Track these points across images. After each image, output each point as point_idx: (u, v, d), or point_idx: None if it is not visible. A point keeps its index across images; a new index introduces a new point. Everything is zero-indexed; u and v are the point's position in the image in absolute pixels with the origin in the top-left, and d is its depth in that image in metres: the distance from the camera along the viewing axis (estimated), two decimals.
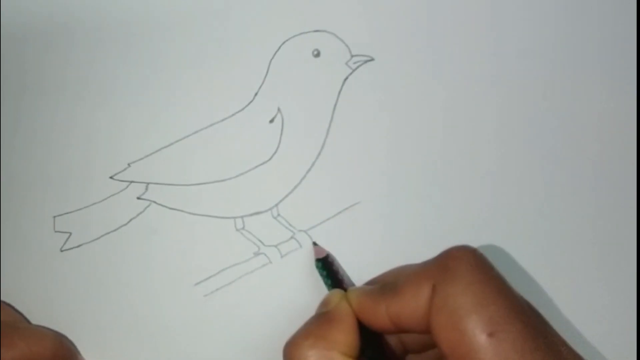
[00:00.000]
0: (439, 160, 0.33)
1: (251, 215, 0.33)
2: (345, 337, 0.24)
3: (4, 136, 0.34)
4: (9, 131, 0.34)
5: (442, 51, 0.34)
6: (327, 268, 0.30)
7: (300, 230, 0.32)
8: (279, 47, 0.34)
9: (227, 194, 0.33)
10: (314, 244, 0.32)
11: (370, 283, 0.30)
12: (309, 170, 0.33)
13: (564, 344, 0.23)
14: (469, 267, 0.23)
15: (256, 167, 0.33)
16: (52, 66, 0.35)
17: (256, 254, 0.32)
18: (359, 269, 0.31)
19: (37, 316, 0.32)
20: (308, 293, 0.31)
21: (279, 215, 0.33)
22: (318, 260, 0.30)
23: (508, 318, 0.22)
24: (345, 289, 0.28)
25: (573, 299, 0.31)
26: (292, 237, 0.32)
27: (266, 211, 0.33)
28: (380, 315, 0.25)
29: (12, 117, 0.34)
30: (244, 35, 0.35)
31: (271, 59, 0.34)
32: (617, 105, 0.34)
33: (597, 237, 0.32)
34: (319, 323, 0.25)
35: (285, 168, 0.33)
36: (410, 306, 0.24)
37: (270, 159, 0.33)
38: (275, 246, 0.32)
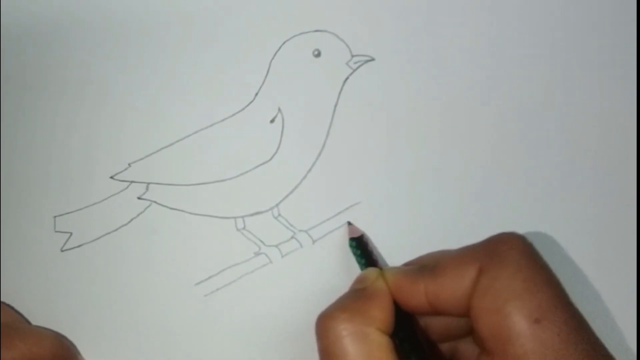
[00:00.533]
0: (439, 160, 0.33)
1: (252, 215, 0.33)
2: (382, 315, 0.24)
3: (4, 136, 0.34)
4: (9, 131, 0.34)
5: (443, 51, 0.34)
6: (362, 248, 0.30)
7: (300, 230, 0.32)
8: (280, 47, 0.34)
9: (228, 193, 0.33)
10: (349, 223, 0.32)
11: (406, 265, 0.29)
12: (309, 170, 0.33)
13: (601, 342, 0.23)
14: (518, 253, 0.23)
15: (257, 167, 0.33)
16: (52, 66, 0.35)
17: (257, 254, 0.32)
18: (360, 269, 0.31)
19: (38, 316, 0.31)
20: (309, 293, 0.31)
21: (279, 215, 0.33)
22: (352, 239, 0.30)
23: (555, 307, 0.22)
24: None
25: (573, 299, 0.31)
26: (292, 237, 0.32)
27: (267, 211, 0.33)
28: (418, 295, 0.24)
29: (12, 117, 0.34)
30: (245, 35, 0.35)
31: (272, 59, 0.34)
32: (617, 105, 0.34)
33: (597, 237, 0.32)
34: (356, 298, 0.25)
35: (286, 168, 0.33)
36: (451, 287, 0.23)
37: (270, 158, 0.33)
38: (276, 246, 0.32)
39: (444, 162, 0.33)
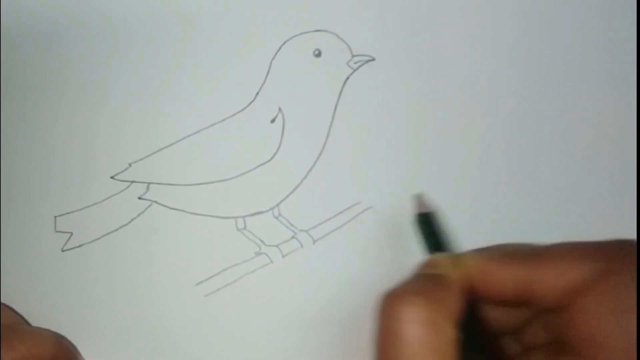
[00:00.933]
0: (439, 160, 0.33)
1: (252, 215, 0.33)
2: (457, 306, 0.22)
3: (4, 136, 0.34)
4: (10, 131, 0.34)
5: (443, 51, 0.34)
6: (430, 226, 0.26)
7: (301, 230, 0.32)
8: (280, 47, 0.34)
9: (228, 193, 0.33)
10: (416, 195, 0.28)
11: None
12: (310, 170, 0.33)
13: None
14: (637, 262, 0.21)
15: (257, 167, 0.33)
16: (52, 66, 0.35)
17: (257, 254, 0.32)
18: (360, 268, 0.31)
19: (38, 316, 0.31)
20: (309, 293, 0.31)
21: (280, 215, 0.33)
22: (420, 215, 0.27)
23: None
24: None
25: None
26: (293, 237, 0.32)
27: (267, 211, 0.33)
28: (505, 281, 0.22)
29: (13, 117, 0.34)
30: (245, 35, 0.35)
31: (272, 59, 0.34)
32: (617, 105, 0.34)
33: (597, 237, 0.32)
34: (431, 282, 0.22)
35: (287, 168, 0.33)
36: (555, 277, 0.22)
37: (271, 158, 0.33)
38: (277, 246, 0.32)
39: (444, 161, 0.33)
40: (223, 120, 0.34)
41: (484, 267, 0.23)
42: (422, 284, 0.22)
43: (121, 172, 0.33)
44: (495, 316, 0.25)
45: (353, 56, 0.34)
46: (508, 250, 0.24)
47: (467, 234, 0.31)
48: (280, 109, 0.33)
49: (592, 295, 0.21)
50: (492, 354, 0.25)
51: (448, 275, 0.23)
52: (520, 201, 0.33)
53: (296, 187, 0.33)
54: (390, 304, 0.21)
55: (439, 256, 0.25)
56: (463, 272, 0.23)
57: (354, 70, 0.34)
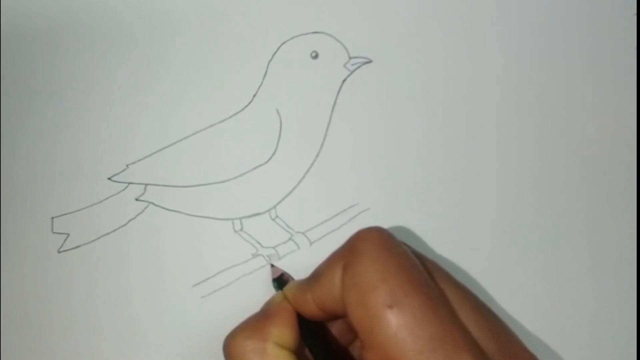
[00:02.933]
0: (437, 162, 0.33)
1: (249, 216, 0.33)
2: (279, 330, 0.25)
3: (2, 136, 0.34)
4: (8, 132, 0.34)
5: (440, 53, 0.34)
6: (282, 286, 0.30)
7: (298, 232, 0.32)
8: (277, 49, 0.34)
9: (226, 195, 0.33)
10: (272, 265, 0.32)
11: None
12: (307, 171, 0.33)
13: (474, 308, 0.24)
14: (373, 246, 0.24)
15: (254, 168, 0.33)
16: (51, 66, 0.35)
17: (254, 256, 0.32)
18: None
19: (35, 317, 0.32)
20: None
21: (277, 216, 0.33)
22: (274, 280, 0.30)
23: (407, 291, 0.22)
24: None
25: (573, 299, 0.31)
26: (290, 239, 0.32)
27: (264, 213, 0.33)
28: (309, 303, 0.26)
29: (11, 117, 0.34)
30: (243, 37, 0.35)
31: (269, 61, 0.34)
32: (617, 105, 0.34)
33: (597, 237, 0.32)
34: (257, 317, 0.26)
35: (284, 170, 0.33)
36: (327, 289, 0.25)
37: (268, 160, 0.33)
38: (274, 248, 0.32)
39: (441, 163, 0.33)
40: (220, 121, 0.34)
41: (294, 296, 0.27)
42: (250, 320, 0.26)
43: (118, 173, 0.33)
44: (342, 327, 0.28)
45: (350, 58, 0.34)
46: (309, 276, 0.27)
47: (467, 234, 0.32)
48: (277, 111, 0.33)
49: (345, 290, 0.24)
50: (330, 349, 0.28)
51: (276, 307, 0.27)
52: (520, 201, 0.33)
53: (293, 189, 0.33)
54: (227, 342, 0.25)
55: (275, 294, 0.28)
56: (288, 302, 0.27)
57: (351, 72, 0.34)
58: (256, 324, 0.26)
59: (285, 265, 0.32)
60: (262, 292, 0.32)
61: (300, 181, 0.33)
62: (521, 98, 0.34)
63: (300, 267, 0.31)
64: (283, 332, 0.25)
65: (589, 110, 0.34)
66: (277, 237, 0.32)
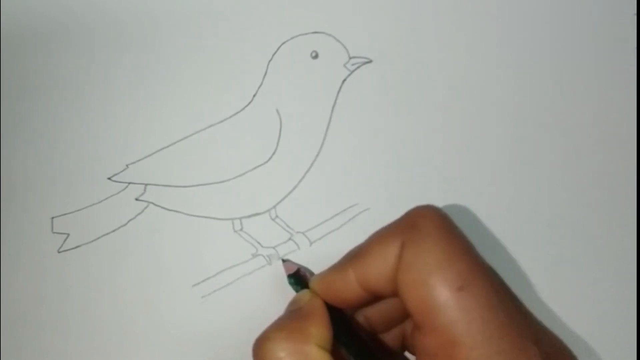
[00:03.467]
0: (437, 162, 0.33)
1: (249, 216, 0.33)
2: (319, 331, 0.24)
3: (3, 136, 0.34)
4: (8, 131, 0.34)
5: (440, 53, 0.34)
6: (300, 282, 0.29)
7: (298, 232, 0.32)
8: (278, 49, 0.34)
9: (225, 195, 0.33)
10: (284, 260, 0.31)
11: None
12: (307, 171, 0.33)
13: (523, 305, 0.23)
14: (436, 225, 0.23)
15: (254, 168, 0.33)
16: (51, 66, 0.35)
17: (254, 256, 0.32)
18: None
19: (35, 317, 0.32)
20: None
21: (277, 216, 0.33)
22: (290, 276, 0.29)
23: (475, 274, 0.22)
24: None
25: (573, 299, 0.31)
26: (290, 239, 0.32)
27: (264, 213, 0.33)
28: (350, 283, 0.24)
29: (11, 117, 0.34)
30: (243, 37, 0.35)
31: (269, 61, 0.34)
32: (617, 105, 0.34)
33: (597, 237, 0.32)
34: (291, 317, 0.25)
35: (284, 169, 0.33)
36: (378, 266, 0.23)
37: (268, 160, 0.33)
38: (274, 248, 0.32)
39: (441, 163, 0.33)
40: (220, 121, 0.34)
41: (328, 282, 0.25)
42: (285, 321, 0.25)
43: (118, 173, 0.33)
44: (378, 312, 0.27)
45: (350, 58, 0.34)
46: (340, 260, 0.26)
47: (466, 233, 0.32)
48: (277, 111, 0.33)
49: (403, 268, 0.23)
50: (380, 351, 0.27)
51: (309, 305, 0.25)
52: (520, 201, 0.33)
53: (293, 189, 0.33)
54: (260, 346, 0.23)
55: (301, 292, 0.27)
56: (320, 298, 0.26)
57: (351, 72, 0.34)
58: (293, 325, 0.24)
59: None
60: (262, 292, 0.32)
61: (300, 181, 0.33)
62: (521, 98, 0.34)
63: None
64: (322, 332, 0.24)
65: (589, 111, 0.34)
66: (277, 237, 0.32)
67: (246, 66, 0.34)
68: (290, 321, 0.24)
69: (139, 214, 0.33)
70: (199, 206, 0.33)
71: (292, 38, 0.34)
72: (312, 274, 0.30)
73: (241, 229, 0.32)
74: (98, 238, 0.32)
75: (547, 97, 0.34)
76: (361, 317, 0.27)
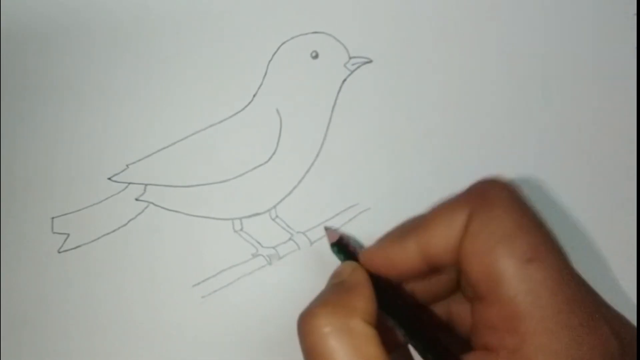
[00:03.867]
0: (437, 162, 0.33)
1: (249, 216, 0.33)
2: (365, 305, 0.23)
3: (3, 136, 0.34)
4: (8, 132, 0.34)
5: (440, 53, 0.34)
6: (344, 250, 0.29)
7: (298, 232, 0.32)
8: (277, 49, 0.34)
9: (226, 195, 0.33)
10: (326, 228, 0.31)
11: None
12: (307, 171, 0.33)
13: (587, 283, 0.23)
14: (507, 195, 0.22)
15: (254, 168, 0.33)
16: (51, 66, 0.35)
17: (254, 256, 0.32)
18: None
19: (35, 317, 0.32)
20: (306, 295, 0.31)
21: (277, 216, 0.33)
22: (333, 244, 0.29)
23: (546, 247, 0.21)
24: None
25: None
26: (290, 239, 0.32)
27: (264, 213, 0.33)
28: (410, 253, 0.24)
29: (12, 117, 0.34)
30: (243, 37, 0.35)
31: (269, 61, 0.34)
32: (617, 105, 0.34)
33: (596, 237, 0.32)
34: (336, 291, 0.24)
35: (284, 169, 0.33)
36: (443, 235, 0.23)
37: (268, 160, 0.33)
38: (274, 247, 0.32)
39: (441, 163, 0.33)
40: (220, 121, 0.34)
41: (386, 251, 0.25)
42: (328, 295, 0.24)
43: (118, 173, 0.33)
44: (427, 285, 0.26)
45: (350, 58, 0.34)
46: (395, 230, 0.25)
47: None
48: (277, 111, 0.33)
49: (470, 237, 0.22)
50: (428, 322, 0.26)
51: (353, 279, 0.25)
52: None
53: (293, 189, 0.33)
54: (306, 322, 0.22)
55: (342, 265, 0.26)
56: (363, 270, 0.25)
57: (351, 72, 0.34)
58: (338, 299, 0.23)
59: (285, 265, 0.32)
60: (262, 292, 0.32)
61: (300, 181, 0.33)
62: (521, 98, 0.34)
63: (300, 267, 0.31)
64: (368, 306, 0.23)
65: (589, 111, 0.34)
66: (277, 237, 0.32)
67: (246, 66, 0.34)
68: (334, 295, 0.24)
69: (139, 214, 0.33)
70: (199, 206, 0.33)
71: (292, 38, 0.34)
72: (356, 242, 0.30)
73: (241, 229, 0.32)
74: (98, 238, 0.32)
75: (547, 97, 0.34)
76: (407, 289, 0.26)
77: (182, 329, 0.31)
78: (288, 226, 0.32)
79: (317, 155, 0.33)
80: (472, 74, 0.34)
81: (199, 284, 0.32)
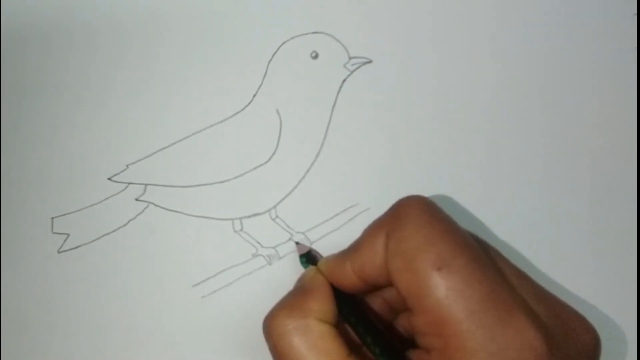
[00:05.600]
0: (437, 162, 0.33)
1: (249, 216, 0.33)
2: (319, 305, 0.25)
3: (3, 137, 0.34)
4: (8, 132, 0.34)
5: (440, 53, 0.34)
6: (310, 261, 0.30)
7: (298, 232, 0.32)
8: (277, 49, 0.34)
9: (226, 195, 0.33)
10: (297, 243, 0.32)
11: None
12: (307, 171, 0.33)
13: (517, 275, 0.24)
14: (417, 212, 0.24)
15: (254, 168, 0.33)
16: (51, 67, 0.35)
17: (254, 256, 0.32)
18: None
19: (35, 317, 0.32)
20: None
21: (277, 217, 0.33)
22: (302, 256, 0.31)
23: (455, 253, 0.23)
24: None
25: (573, 299, 0.31)
26: (290, 239, 0.32)
27: (264, 213, 0.33)
28: (348, 274, 0.26)
29: (12, 117, 0.34)
30: (242, 37, 0.35)
31: (269, 61, 0.34)
32: (617, 105, 0.34)
33: (596, 237, 0.32)
34: (294, 295, 0.26)
35: (284, 170, 0.33)
36: (369, 257, 0.25)
37: (268, 160, 0.33)
38: (274, 248, 0.32)
39: (441, 163, 0.33)
40: (220, 122, 0.34)
41: (330, 268, 0.27)
42: (288, 298, 0.26)
43: (118, 173, 0.33)
44: (382, 301, 0.28)
45: (350, 58, 0.34)
46: (340, 252, 0.27)
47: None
48: (277, 111, 0.33)
49: (390, 257, 0.24)
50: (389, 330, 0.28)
51: (311, 282, 0.27)
52: (520, 202, 0.33)
53: (293, 189, 0.33)
54: (267, 323, 0.25)
55: (307, 269, 0.29)
56: (322, 276, 0.27)
57: (351, 72, 0.34)
58: (294, 302, 0.25)
59: (286, 265, 0.32)
60: (262, 292, 0.32)
61: (300, 181, 0.33)
62: (521, 98, 0.34)
63: (300, 267, 0.31)
64: (323, 307, 0.25)
65: (589, 111, 0.34)
66: (277, 237, 0.32)
67: (246, 66, 0.34)
68: (292, 298, 0.26)
69: (139, 214, 0.33)
70: (199, 206, 0.33)
71: (292, 38, 0.34)
72: (321, 256, 0.31)
73: (241, 229, 0.32)
74: (98, 238, 0.32)
75: (547, 97, 0.34)
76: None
77: (182, 329, 0.31)
78: (288, 226, 0.32)
79: (317, 155, 0.33)
80: (471, 74, 0.34)
81: (199, 284, 0.32)
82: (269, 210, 0.33)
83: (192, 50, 0.35)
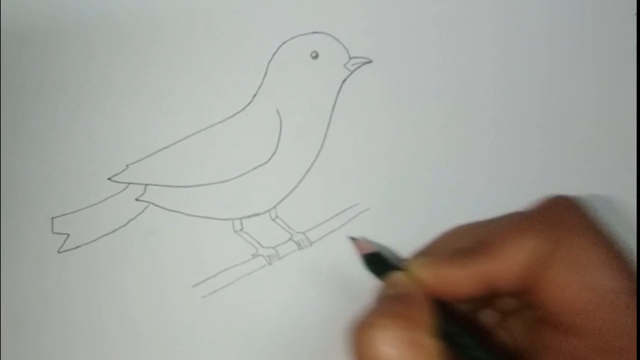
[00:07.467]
0: (437, 162, 0.33)
1: (249, 216, 0.33)
2: (427, 318, 0.22)
3: (3, 137, 0.34)
4: (8, 132, 0.34)
5: (441, 53, 0.34)
6: (381, 263, 0.27)
7: (298, 232, 0.32)
8: (277, 49, 0.34)
9: (226, 195, 0.33)
10: (352, 239, 0.29)
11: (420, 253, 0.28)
12: (307, 171, 0.33)
13: None
14: (580, 218, 0.22)
15: (254, 168, 0.33)
16: (51, 66, 0.35)
17: (254, 256, 0.32)
18: (358, 270, 0.31)
19: (35, 317, 0.32)
20: (306, 295, 0.31)
21: (277, 217, 0.33)
22: (366, 256, 0.27)
23: (630, 276, 0.21)
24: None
25: None
26: (290, 239, 0.32)
27: (264, 213, 0.33)
28: (471, 279, 0.23)
29: (12, 117, 0.34)
30: (243, 37, 0.35)
31: (269, 61, 0.34)
32: (617, 105, 0.34)
33: None
34: (394, 303, 0.22)
35: (284, 170, 0.33)
36: (509, 261, 0.22)
37: (268, 160, 0.33)
38: (274, 248, 0.32)
39: (441, 163, 0.33)
40: (220, 122, 0.34)
41: (438, 274, 0.23)
42: (389, 306, 0.22)
43: (118, 173, 0.33)
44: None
45: (350, 58, 0.34)
46: (457, 251, 0.24)
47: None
48: (277, 111, 0.33)
49: (553, 266, 0.21)
50: (472, 329, 0.25)
51: (409, 290, 0.23)
52: (520, 202, 0.32)
53: (293, 189, 0.33)
54: (364, 332, 0.21)
55: (395, 275, 0.25)
56: (420, 283, 0.23)
57: (351, 72, 0.34)
58: (400, 311, 0.21)
59: (286, 265, 0.32)
60: (262, 292, 0.32)
61: (300, 181, 0.33)
62: (521, 99, 0.34)
63: (300, 267, 0.31)
64: (429, 320, 0.22)
65: (589, 111, 0.34)
66: (277, 237, 0.32)
67: (246, 66, 0.34)
68: (392, 306, 0.22)
69: (139, 214, 0.33)
70: (199, 206, 0.33)
71: (292, 38, 0.34)
72: (388, 252, 0.28)
73: (241, 229, 0.32)
74: (98, 238, 0.32)
75: (547, 97, 0.34)
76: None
77: (182, 329, 0.31)
78: (288, 226, 0.32)
79: (317, 155, 0.33)
80: (472, 74, 0.34)
81: (199, 284, 0.32)
82: (269, 210, 0.33)
83: (192, 50, 0.35)
